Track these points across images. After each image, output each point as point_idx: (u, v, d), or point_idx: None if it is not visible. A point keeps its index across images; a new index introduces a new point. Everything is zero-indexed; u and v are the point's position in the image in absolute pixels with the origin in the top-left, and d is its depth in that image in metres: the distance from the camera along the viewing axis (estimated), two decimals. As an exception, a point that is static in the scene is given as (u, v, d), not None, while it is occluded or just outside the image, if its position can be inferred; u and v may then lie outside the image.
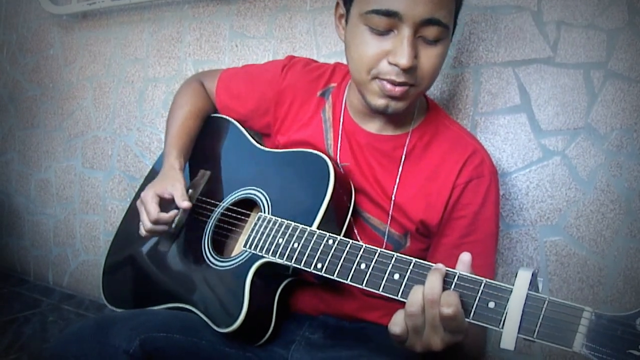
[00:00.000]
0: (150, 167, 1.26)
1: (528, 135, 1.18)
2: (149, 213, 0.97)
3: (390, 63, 0.84)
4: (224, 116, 1.17)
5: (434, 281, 0.67)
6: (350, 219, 0.95)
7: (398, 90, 0.86)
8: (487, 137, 1.21)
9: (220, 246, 1.04)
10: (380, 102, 0.89)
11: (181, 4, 1.69)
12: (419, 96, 0.93)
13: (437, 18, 0.83)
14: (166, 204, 0.99)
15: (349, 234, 0.95)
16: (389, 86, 0.86)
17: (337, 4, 0.96)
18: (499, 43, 1.20)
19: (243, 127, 1.14)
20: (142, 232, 1.01)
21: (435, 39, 0.85)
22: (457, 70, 1.25)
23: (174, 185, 0.99)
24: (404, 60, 0.82)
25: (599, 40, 1.11)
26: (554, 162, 1.15)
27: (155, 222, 0.97)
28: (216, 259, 0.98)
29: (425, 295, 0.66)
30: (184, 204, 0.97)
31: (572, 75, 1.13)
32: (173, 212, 0.98)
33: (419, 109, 1.01)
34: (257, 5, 1.55)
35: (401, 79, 0.85)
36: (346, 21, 0.93)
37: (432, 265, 0.71)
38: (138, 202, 1.01)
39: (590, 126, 1.12)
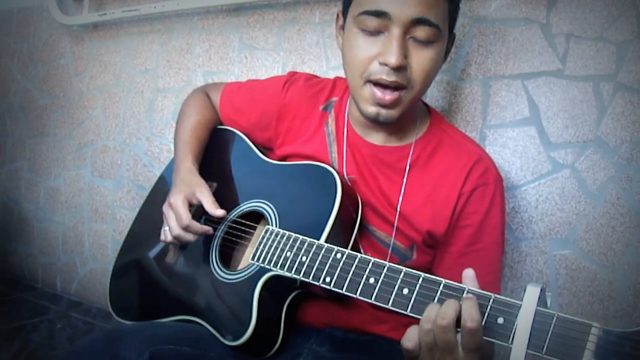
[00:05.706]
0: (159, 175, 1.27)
1: (537, 148, 1.17)
2: (181, 218, 0.95)
3: (380, 63, 0.86)
4: (230, 128, 1.18)
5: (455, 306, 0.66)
6: (356, 232, 0.94)
7: (388, 98, 0.87)
8: (496, 150, 1.21)
9: (227, 258, 1.04)
10: (371, 109, 0.90)
11: (191, 16, 1.71)
12: (413, 103, 0.93)
13: (427, 18, 0.84)
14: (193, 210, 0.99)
15: (355, 248, 0.95)
16: (379, 93, 0.88)
17: (337, 15, 0.99)
18: (508, 55, 1.20)
19: (249, 139, 1.14)
20: (167, 237, 0.99)
21: (426, 40, 0.86)
22: (465, 83, 1.25)
23: (202, 192, 0.98)
24: (392, 58, 0.84)
25: (609, 53, 1.11)
26: (564, 175, 1.14)
27: (186, 228, 0.96)
28: (224, 272, 0.98)
29: (437, 318, 0.66)
30: (218, 212, 0.96)
31: (582, 87, 1.13)
32: (207, 227, 0.97)
33: (421, 118, 1.01)
34: (266, 17, 1.56)
35: (392, 78, 0.86)
36: (344, 30, 0.95)
37: (440, 280, 0.70)
38: (165, 207, 0.99)
39: (600, 139, 1.11)
